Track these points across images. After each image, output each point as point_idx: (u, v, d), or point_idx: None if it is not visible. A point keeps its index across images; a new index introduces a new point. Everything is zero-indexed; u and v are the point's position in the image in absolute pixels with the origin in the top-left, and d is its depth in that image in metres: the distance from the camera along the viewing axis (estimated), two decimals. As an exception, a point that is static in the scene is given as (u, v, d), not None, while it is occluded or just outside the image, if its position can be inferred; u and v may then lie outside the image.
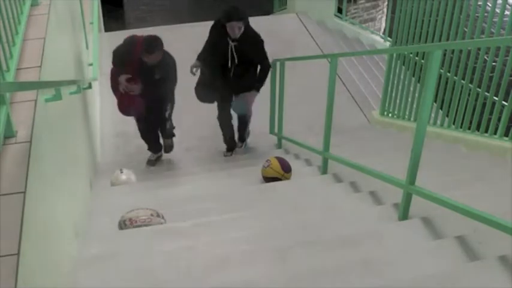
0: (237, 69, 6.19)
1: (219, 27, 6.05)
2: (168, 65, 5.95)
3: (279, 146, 7.32)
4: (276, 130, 7.38)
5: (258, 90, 6.28)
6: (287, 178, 5.56)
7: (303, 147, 6.32)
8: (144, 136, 6.70)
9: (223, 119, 6.82)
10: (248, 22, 6.03)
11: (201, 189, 5.38)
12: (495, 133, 5.78)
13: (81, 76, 5.91)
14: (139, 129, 6.60)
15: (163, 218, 4.33)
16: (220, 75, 6.26)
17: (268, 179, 5.58)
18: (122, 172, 5.94)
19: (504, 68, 5.52)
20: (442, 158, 5.53)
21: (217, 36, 6.12)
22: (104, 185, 5.80)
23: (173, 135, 6.94)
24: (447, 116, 6.52)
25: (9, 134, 2.78)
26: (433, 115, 6.66)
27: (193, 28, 11.12)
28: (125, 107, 6.12)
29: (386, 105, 7.74)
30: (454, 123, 6.39)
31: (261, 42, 6.11)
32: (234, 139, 7.17)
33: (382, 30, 12.85)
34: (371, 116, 8.34)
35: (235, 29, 5.89)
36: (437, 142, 6.20)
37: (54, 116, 3.85)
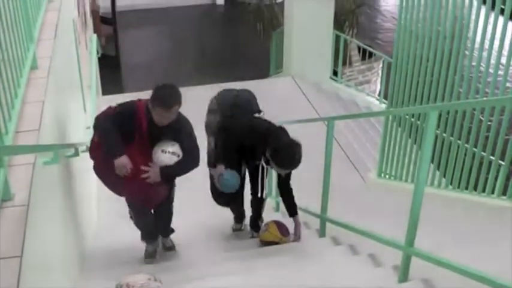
0: None
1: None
2: (183, 131, 4.59)
3: (277, 209, 7.29)
4: (273, 193, 7.37)
5: None
6: (285, 242, 5.47)
7: (301, 210, 6.29)
8: (138, 220, 5.18)
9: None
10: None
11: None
12: (493, 192, 5.77)
13: (79, 139, 5.92)
14: (133, 211, 5.12)
15: (160, 282, 4.28)
16: None
17: (266, 243, 5.49)
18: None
19: (499, 127, 5.57)
20: (440, 219, 5.51)
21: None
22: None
23: (172, 230, 5.47)
24: (444, 176, 6.53)
25: (6, 197, 2.77)
26: (430, 176, 6.67)
27: (193, 92, 11.20)
28: (119, 189, 4.86)
29: (383, 167, 7.75)
30: (451, 184, 6.39)
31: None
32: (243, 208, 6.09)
33: (378, 92, 12.96)
34: (368, 178, 8.33)
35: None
36: (435, 203, 6.19)
37: (53, 179, 3.85)
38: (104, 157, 4.50)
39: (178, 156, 4.47)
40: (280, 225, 5.55)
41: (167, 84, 4.39)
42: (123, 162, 4.32)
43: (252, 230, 6.01)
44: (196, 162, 4.65)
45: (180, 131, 4.52)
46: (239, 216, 6.13)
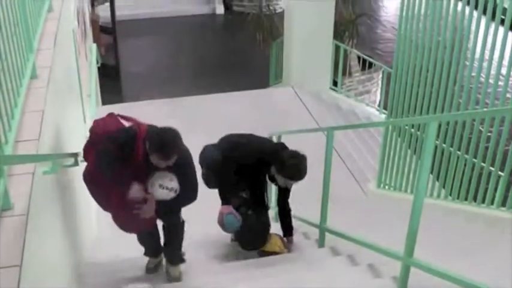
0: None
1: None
2: (183, 166, 4.34)
3: (276, 219, 7.27)
4: (272, 204, 7.36)
5: None
6: (283, 253, 5.52)
7: (300, 220, 6.28)
8: (141, 238, 4.93)
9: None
10: None
11: None
12: (492, 203, 5.77)
13: (78, 149, 5.91)
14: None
15: None
16: None
17: (265, 253, 5.49)
18: None
19: (499, 138, 5.57)
20: (439, 229, 5.51)
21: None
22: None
23: (183, 260, 4.96)
24: (444, 187, 6.52)
25: (6, 206, 2.77)
26: (429, 186, 6.66)
27: (193, 101, 11.24)
28: (127, 224, 4.59)
29: (383, 177, 7.74)
30: (450, 194, 6.38)
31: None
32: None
33: (377, 102, 12.98)
34: (367, 188, 8.33)
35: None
36: (434, 213, 6.19)
37: (53, 189, 3.85)
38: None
39: (176, 191, 4.26)
40: (281, 238, 5.64)
41: (168, 130, 4.12)
42: (136, 189, 4.18)
43: None
44: (194, 197, 4.47)
45: (180, 165, 4.24)
46: None
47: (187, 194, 4.39)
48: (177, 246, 4.84)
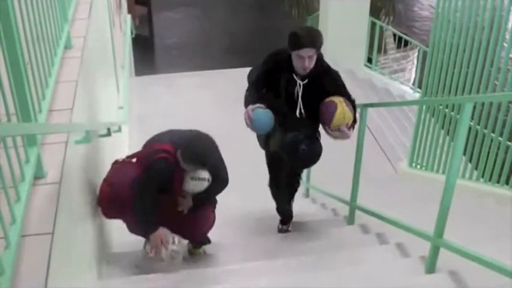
0: (301, 118, 4.59)
1: (283, 59, 4.47)
2: (214, 168, 4.27)
3: (307, 195, 7.28)
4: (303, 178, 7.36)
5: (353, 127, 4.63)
6: (344, 112, 4.43)
7: (330, 196, 6.27)
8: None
9: (280, 183, 5.26)
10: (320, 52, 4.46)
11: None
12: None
13: (111, 119, 5.95)
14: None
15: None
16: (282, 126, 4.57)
17: (323, 102, 4.46)
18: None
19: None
20: (471, 212, 5.46)
21: (277, 73, 4.52)
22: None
23: (208, 241, 4.79)
24: (476, 169, 6.46)
25: (39, 174, 2.81)
26: (461, 167, 6.60)
27: (225, 74, 11.24)
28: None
29: (415, 156, 7.69)
30: (483, 177, 6.32)
31: (339, 76, 4.71)
32: (291, 208, 5.62)
33: (412, 81, 12.85)
34: (399, 167, 8.28)
35: (305, 60, 4.29)
36: (466, 195, 6.14)
37: (84, 158, 3.88)
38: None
39: (208, 180, 4.23)
40: (345, 100, 4.58)
41: (202, 137, 4.11)
42: (159, 234, 4.06)
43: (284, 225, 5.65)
44: (226, 183, 4.41)
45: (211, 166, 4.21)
46: (286, 212, 5.60)
47: (219, 183, 4.37)
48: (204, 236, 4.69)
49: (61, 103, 3.45)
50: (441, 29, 6.83)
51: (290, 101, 4.52)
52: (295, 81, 4.47)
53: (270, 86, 4.59)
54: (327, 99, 4.44)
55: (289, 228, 5.64)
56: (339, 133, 4.45)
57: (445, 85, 6.83)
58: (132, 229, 4.37)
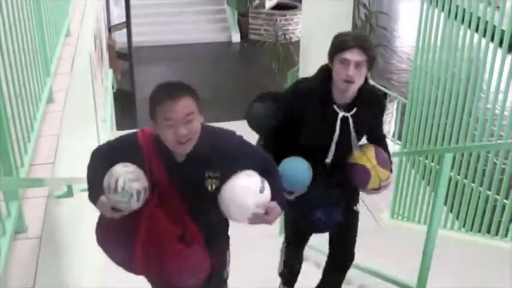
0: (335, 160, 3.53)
1: (313, 87, 3.57)
2: (238, 148, 2.98)
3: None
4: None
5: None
6: (379, 175, 3.56)
7: (311, 248, 6.23)
8: None
9: (298, 246, 4.24)
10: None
11: None
12: (506, 235, 5.73)
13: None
14: None
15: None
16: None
17: (353, 166, 3.56)
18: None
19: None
20: (453, 261, 5.46)
21: (304, 109, 3.43)
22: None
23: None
24: (457, 218, 6.48)
25: (20, 229, 2.78)
26: (443, 217, 6.62)
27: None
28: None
29: (397, 207, 7.70)
30: (464, 226, 6.35)
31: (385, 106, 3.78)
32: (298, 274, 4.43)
33: (392, 133, 12.94)
34: (380, 219, 8.28)
35: (349, 66, 3.19)
36: (448, 245, 6.14)
37: (66, 213, 3.85)
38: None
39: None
40: (378, 152, 3.55)
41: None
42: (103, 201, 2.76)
43: None
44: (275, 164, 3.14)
45: (232, 156, 2.91)
46: (291, 274, 4.47)
47: (271, 167, 3.07)
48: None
49: (43, 157, 3.44)
50: (419, 81, 6.92)
51: (320, 146, 3.48)
52: (336, 114, 3.38)
53: (290, 134, 3.46)
54: (357, 162, 3.52)
55: None
56: (375, 191, 3.68)
57: (424, 136, 6.89)
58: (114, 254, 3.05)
